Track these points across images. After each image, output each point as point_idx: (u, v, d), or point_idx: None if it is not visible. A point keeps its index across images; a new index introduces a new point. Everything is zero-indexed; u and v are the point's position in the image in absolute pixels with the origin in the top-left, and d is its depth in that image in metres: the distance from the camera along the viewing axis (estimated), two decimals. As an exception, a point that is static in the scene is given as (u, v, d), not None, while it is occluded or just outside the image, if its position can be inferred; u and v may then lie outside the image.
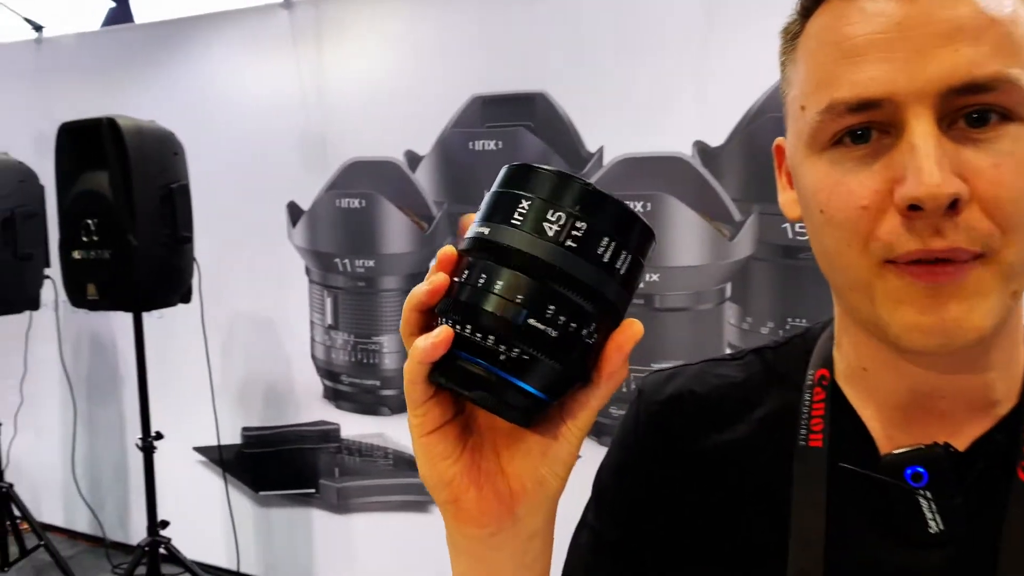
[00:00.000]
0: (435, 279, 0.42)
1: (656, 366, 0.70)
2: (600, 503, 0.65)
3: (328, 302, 2.62)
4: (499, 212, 0.41)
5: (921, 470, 0.53)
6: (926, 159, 0.46)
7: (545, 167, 0.41)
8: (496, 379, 0.40)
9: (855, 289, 0.51)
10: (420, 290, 0.43)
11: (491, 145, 2.28)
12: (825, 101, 0.49)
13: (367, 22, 2.49)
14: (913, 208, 0.46)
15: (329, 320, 2.62)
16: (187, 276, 2.37)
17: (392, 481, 2.61)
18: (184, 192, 2.30)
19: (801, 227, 1.91)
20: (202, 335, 2.58)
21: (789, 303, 1.97)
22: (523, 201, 0.40)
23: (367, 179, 2.49)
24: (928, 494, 0.54)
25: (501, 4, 2.26)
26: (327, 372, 2.67)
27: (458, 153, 2.34)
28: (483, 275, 0.39)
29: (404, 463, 2.60)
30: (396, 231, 2.47)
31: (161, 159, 2.24)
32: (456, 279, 0.41)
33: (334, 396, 2.67)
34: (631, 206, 0.41)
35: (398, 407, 2.58)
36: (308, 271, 2.65)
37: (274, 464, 2.82)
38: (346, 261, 2.55)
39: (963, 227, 0.46)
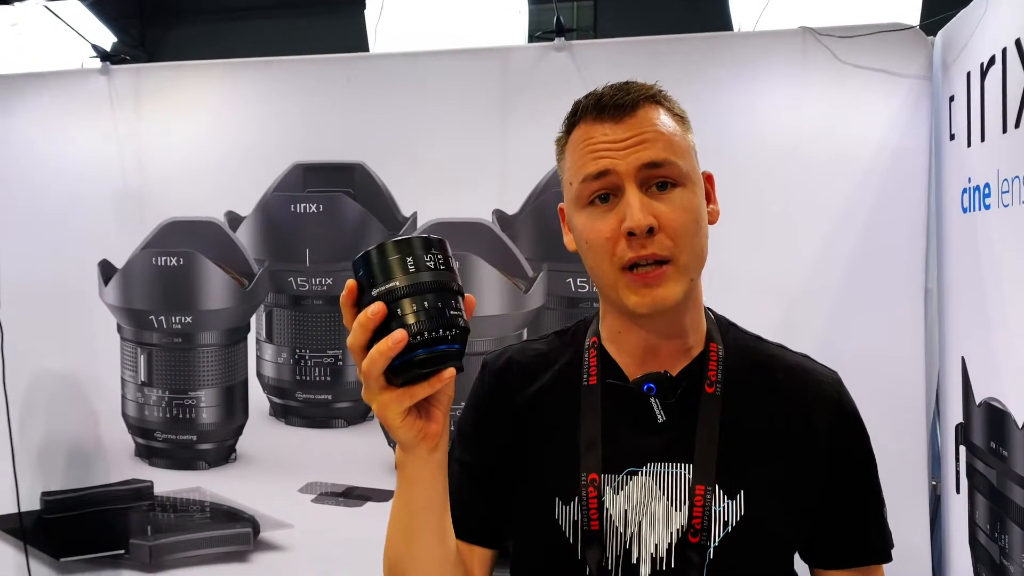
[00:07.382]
0: (397, 335, 0.65)
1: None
2: (462, 440, 0.94)
3: (142, 359, 2.63)
4: (396, 270, 0.67)
5: (652, 385, 0.90)
6: (635, 208, 0.84)
7: (405, 237, 0.69)
8: (449, 351, 0.68)
9: (608, 286, 0.88)
10: (387, 345, 0.65)
11: (312, 208, 2.48)
12: (581, 176, 0.88)
13: (186, 91, 2.60)
14: (631, 234, 0.84)
15: (143, 377, 2.63)
16: (-8, 335, 2.33)
17: (209, 534, 2.63)
18: (-7, 250, 2.28)
19: (582, 281, 2.32)
20: (3, 397, 2.50)
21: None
22: (408, 258, 0.68)
23: (185, 238, 2.57)
24: (656, 400, 0.90)
25: (317, 82, 2.49)
26: (140, 430, 2.66)
27: (280, 215, 2.51)
28: (416, 302, 0.66)
29: (222, 515, 2.64)
30: (215, 287, 2.57)
31: (-30, 217, 2.22)
32: (399, 314, 0.66)
33: (147, 453, 2.67)
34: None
35: (216, 460, 2.64)
36: (120, 329, 2.65)
37: (78, 528, 2.73)
38: (162, 318, 2.59)
39: (657, 244, 0.85)
